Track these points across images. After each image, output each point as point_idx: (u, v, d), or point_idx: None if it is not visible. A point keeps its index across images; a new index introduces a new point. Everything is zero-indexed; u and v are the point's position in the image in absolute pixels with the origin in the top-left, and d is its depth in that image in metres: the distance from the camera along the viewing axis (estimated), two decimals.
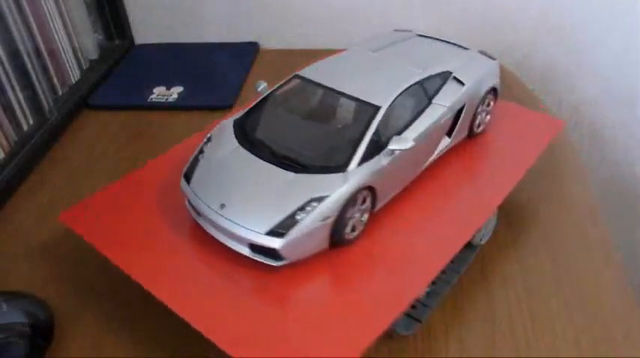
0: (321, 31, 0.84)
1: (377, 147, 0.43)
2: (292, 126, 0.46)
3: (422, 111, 0.47)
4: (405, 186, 0.47)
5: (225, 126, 0.47)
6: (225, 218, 0.40)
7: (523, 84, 0.75)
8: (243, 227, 0.40)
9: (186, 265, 0.42)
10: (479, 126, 0.54)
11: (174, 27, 0.87)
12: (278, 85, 0.49)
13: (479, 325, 0.43)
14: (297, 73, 0.49)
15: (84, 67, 0.77)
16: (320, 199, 0.39)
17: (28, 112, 0.64)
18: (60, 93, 0.71)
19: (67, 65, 0.73)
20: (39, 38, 0.67)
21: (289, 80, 0.49)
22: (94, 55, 0.80)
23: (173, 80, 0.77)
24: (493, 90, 0.54)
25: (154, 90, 0.75)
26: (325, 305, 0.38)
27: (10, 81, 0.62)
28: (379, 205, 0.44)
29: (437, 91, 0.49)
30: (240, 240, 0.40)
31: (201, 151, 0.46)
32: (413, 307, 0.43)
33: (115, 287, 0.48)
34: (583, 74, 0.82)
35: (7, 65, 0.61)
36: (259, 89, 0.49)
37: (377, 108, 0.44)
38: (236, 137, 0.45)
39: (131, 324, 0.45)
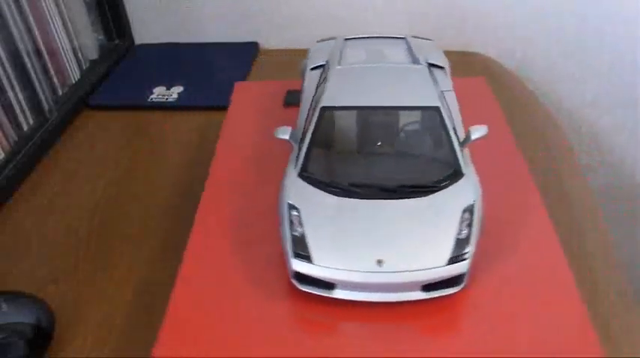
0: (321, 31, 0.84)
1: (458, 142, 0.43)
2: (369, 156, 0.44)
3: (444, 99, 0.47)
4: None
5: (296, 186, 0.42)
6: (391, 272, 0.37)
7: (523, 84, 0.75)
8: (418, 270, 0.37)
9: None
10: None
11: (174, 27, 0.87)
12: (314, 124, 0.44)
13: None
14: (322, 105, 0.45)
15: (84, 67, 0.77)
16: (470, 208, 0.39)
17: (28, 112, 0.64)
18: (60, 93, 0.71)
19: (67, 65, 0.73)
20: (39, 38, 0.67)
21: (320, 115, 0.45)
22: (94, 55, 0.80)
23: (173, 80, 0.77)
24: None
25: (154, 90, 0.75)
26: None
27: (10, 81, 0.62)
28: None
29: (436, 79, 0.49)
30: (411, 286, 0.38)
31: (291, 223, 0.40)
32: None
33: (115, 286, 0.48)
34: (583, 75, 0.82)
35: (7, 65, 0.61)
36: (287, 137, 0.44)
37: (437, 108, 0.43)
38: (325, 191, 0.41)
39: (132, 324, 0.45)
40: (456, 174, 0.41)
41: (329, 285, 0.39)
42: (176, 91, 0.74)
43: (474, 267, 0.40)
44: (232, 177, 0.51)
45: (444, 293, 0.38)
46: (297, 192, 0.41)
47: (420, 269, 0.37)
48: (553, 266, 0.41)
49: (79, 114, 0.72)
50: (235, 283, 0.42)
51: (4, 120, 0.61)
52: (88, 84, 0.75)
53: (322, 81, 0.49)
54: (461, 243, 0.38)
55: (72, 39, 0.74)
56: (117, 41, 0.85)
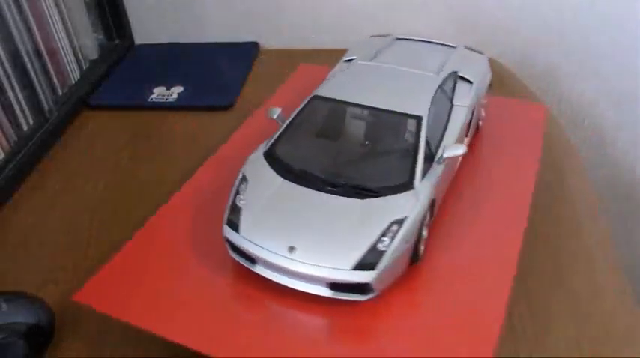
0: (321, 31, 0.84)
1: (429, 157, 0.42)
2: (334, 150, 0.44)
3: (449, 114, 0.47)
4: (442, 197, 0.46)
5: (256, 161, 0.44)
6: (298, 261, 0.37)
7: (523, 84, 0.75)
8: (323, 266, 0.37)
9: (237, 320, 0.38)
10: (478, 121, 0.54)
11: (174, 27, 0.87)
12: (298, 110, 0.46)
13: None
14: (315, 94, 0.47)
15: (84, 67, 0.77)
16: (400, 222, 0.38)
17: (28, 112, 0.64)
18: (60, 93, 0.71)
19: (67, 65, 0.73)
20: (39, 38, 0.67)
21: (309, 102, 0.46)
22: (94, 55, 0.80)
23: (173, 80, 0.77)
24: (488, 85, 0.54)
25: (154, 90, 0.75)
26: (422, 329, 0.37)
27: (10, 81, 0.62)
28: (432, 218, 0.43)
29: (453, 92, 0.49)
30: (317, 281, 0.38)
31: (237, 193, 0.42)
32: None
33: None
34: (583, 74, 0.82)
35: (7, 65, 0.61)
36: (275, 116, 0.46)
37: (420, 119, 0.43)
38: (276, 171, 0.42)
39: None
40: (404, 186, 0.40)
41: (252, 259, 0.40)
42: (176, 91, 0.74)
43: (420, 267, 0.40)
44: (239, 152, 0.51)
45: (349, 298, 0.38)
46: (255, 166, 0.43)
47: (324, 266, 0.37)
48: (496, 272, 0.41)
49: (79, 114, 0.72)
50: (184, 257, 0.43)
51: (4, 120, 0.61)
52: (88, 84, 0.75)
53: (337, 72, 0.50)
54: (376, 253, 0.37)
55: (72, 39, 0.74)
56: (117, 41, 0.85)
